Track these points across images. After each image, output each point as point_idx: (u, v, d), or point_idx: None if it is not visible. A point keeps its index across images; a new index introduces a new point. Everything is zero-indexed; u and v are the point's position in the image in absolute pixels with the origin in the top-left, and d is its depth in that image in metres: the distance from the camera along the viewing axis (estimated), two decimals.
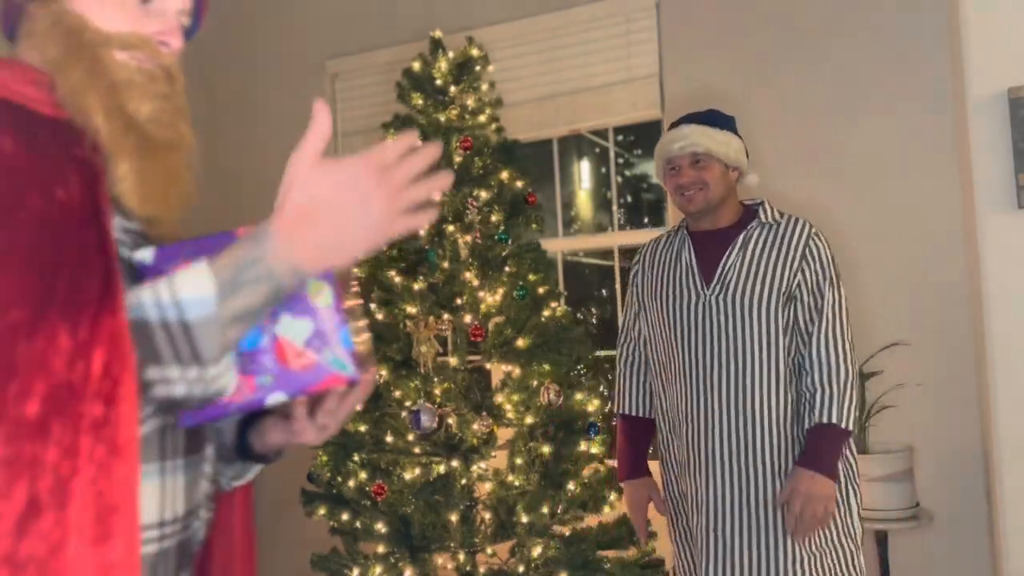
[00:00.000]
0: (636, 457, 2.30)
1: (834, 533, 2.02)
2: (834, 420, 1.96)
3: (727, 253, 2.09)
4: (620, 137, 3.59)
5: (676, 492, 2.18)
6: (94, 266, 0.78)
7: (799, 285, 2.04)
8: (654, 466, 2.29)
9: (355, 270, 2.76)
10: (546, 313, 2.64)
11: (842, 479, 2.04)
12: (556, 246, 3.56)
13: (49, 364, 0.72)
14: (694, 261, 2.12)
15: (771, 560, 1.97)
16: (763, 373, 2.01)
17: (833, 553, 2.01)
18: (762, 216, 2.11)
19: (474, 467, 2.49)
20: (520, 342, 2.56)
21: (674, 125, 2.15)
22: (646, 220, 3.59)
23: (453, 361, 2.60)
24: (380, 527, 2.51)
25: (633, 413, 2.29)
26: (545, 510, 2.49)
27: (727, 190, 2.12)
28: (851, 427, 1.99)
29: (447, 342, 2.67)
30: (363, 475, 2.56)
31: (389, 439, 2.55)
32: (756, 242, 2.09)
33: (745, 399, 2.01)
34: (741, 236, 2.10)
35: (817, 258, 2.05)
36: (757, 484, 2.00)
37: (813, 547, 1.98)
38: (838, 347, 2.01)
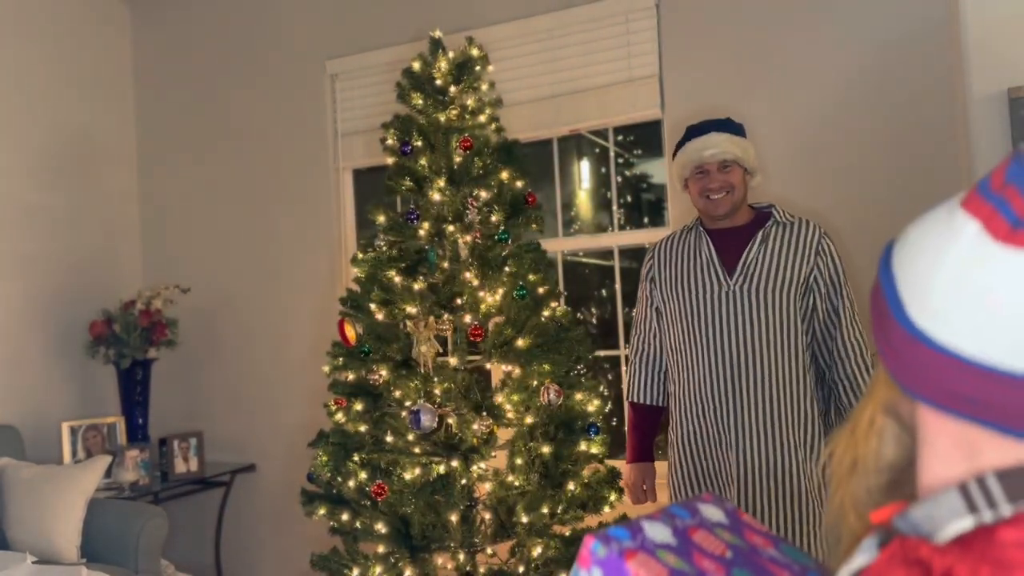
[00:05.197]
0: (640, 443, 2.52)
1: None
2: None
3: (748, 247, 2.30)
4: (620, 137, 3.59)
5: (695, 470, 2.34)
6: None
7: (815, 277, 2.28)
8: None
9: (359, 272, 2.75)
10: (546, 313, 2.64)
11: None
12: (556, 246, 3.56)
13: None
14: (715, 255, 2.31)
15: (796, 523, 2.19)
16: (786, 353, 2.24)
17: None
18: (777, 216, 2.33)
19: (474, 467, 2.49)
20: (520, 342, 2.55)
21: (696, 132, 2.33)
22: (646, 220, 3.58)
23: (453, 361, 2.59)
24: (380, 527, 2.51)
25: (642, 401, 2.51)
26: (545, 510, 2.48)
27: (746, 192, 2.34)
28: None
29: (447, 342, 2.67)
30: (363, 475, 2.56)
31: (389, 439, 2.55)
32: (775, 238, 2.31)
33: (771, 377, 2.23)
34: (760, 233, 2.31)
35: (829, 253, 2.29)
36: (781, 455, 2.20)
37: None
38: (861, 333, 2.27)
